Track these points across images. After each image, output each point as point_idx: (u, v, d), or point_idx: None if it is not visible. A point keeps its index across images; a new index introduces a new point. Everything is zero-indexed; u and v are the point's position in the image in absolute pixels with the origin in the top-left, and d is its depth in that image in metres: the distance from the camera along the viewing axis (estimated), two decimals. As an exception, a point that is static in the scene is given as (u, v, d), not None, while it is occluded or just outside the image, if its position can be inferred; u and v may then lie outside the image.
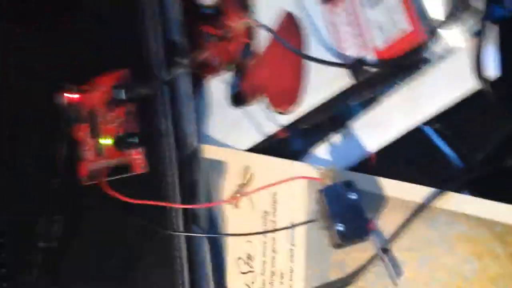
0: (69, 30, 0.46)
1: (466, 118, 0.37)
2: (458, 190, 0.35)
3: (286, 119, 0.43)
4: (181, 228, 0.41)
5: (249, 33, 0.45)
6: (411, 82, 0.37)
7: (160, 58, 0.43)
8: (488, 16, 0.33)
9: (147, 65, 0.43)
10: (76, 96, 0.43)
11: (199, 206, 0.44)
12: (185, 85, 0.45)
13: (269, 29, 0.42)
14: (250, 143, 0.44)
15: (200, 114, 0.47)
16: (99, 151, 0.43)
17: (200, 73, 0.47)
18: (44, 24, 0.47)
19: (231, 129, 0.46)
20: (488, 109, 0.35)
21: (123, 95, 0.41)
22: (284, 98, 0.43)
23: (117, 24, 0.45)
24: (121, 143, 0.42)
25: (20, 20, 0.49)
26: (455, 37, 0.35)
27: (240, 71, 0.46)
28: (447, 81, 0.36)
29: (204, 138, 0.46)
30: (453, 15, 0.34)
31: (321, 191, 0.37)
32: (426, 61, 0.36)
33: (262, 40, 0.44)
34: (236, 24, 0.45)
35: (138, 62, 0.43)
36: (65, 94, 0.43)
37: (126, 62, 0.43)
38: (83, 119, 0.44)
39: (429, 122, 0.38)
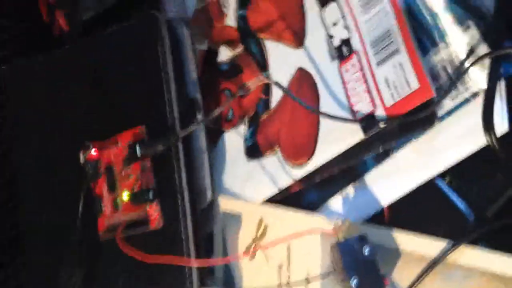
0: (88, 90, 0.48)
1: (478, 171, 0.37)
2: (472, 243, 0.35)
3: (300, 172, 0.43)
4: (196, 283, 0.41)
5: (264, 87, 0.46)
6: (423, 136, 0.38)
7: (176, 115, 0.44)
8: (495, 72, 0.34)
9: (164, 121, 0.44)
10: (94, 152, 0.45)
11: (214, 264, 0.44)
12: (200, 140, 0.46)
13: (282, 87, 0.43)
14: (265, 196, 0.45)
15: (215, 167, 0.47)
16: (116, 206, 0.44)
17: (216, 127, 0.48)
18: (69, 83, 0.49)
19: (246, 181, 0.46)
20: (499, 162, 0.35)
21: (139, 151, 0.43)
22: (298, 151, 0.43)
23: (135, 83, 0.46)
24: (136, 198, 0.43)
25: (44, 76, 0.51)
26: (464, 93, 0.36)
27: (255, 125, 0.47)
28: (459, 135, 0.36)
29: (219, 190, 0.47)
30: (461, 71, 0.35)
31: (335, 245, 0.37)
32: (436, 116, 0.36)
33: (277, 94, 0.45)
34: (252, 80, 0.47)
35: (155, 118, 0.44)
36: (84, 151, 0.45)
37: (144, 119, 0.44)
38: (101, 174, 0.45)
39: (442, 175, 0.38)
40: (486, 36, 0.35)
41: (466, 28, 0.36)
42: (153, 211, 0.43)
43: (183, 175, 0.43)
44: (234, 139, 0.48)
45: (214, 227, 0.46)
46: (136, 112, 0.45)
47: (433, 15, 0.37)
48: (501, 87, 0.34)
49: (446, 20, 0.36)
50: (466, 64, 0.35)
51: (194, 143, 0.45)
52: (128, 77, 0.46)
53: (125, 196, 0.43)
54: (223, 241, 0.46)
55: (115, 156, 0.44)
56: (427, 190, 0.38)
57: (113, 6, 0.50)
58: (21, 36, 0.54)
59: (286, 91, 0.43)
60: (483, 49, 0.35)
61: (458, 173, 0.37)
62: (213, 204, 0.46)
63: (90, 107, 0.47)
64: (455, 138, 0.36)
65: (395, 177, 0.39)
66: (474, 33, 0.35)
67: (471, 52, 0.35)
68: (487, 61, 0.34)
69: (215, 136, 0.48)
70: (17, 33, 0.53)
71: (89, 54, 0.48)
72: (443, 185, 0.38)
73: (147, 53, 0.45)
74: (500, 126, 0.34)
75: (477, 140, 0.35)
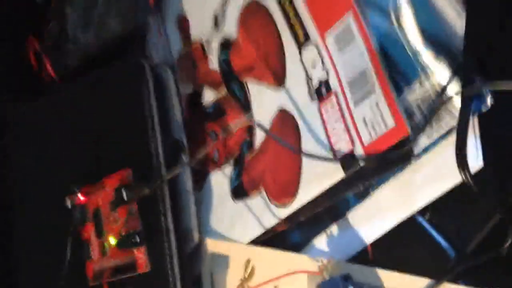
0: (75, 134, 0.48)
1: (457, 207, 0.37)
2: (453, 280, 0.35)
3: (285, 211, 0.43)
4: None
5: (247, 129, 0.47)
6: (401, 173, 0.38)
7: (162, 157, 0.45)
8: (466, 109, 0.34)
9: (150, 164, 0.45)
10: (82, 197, 0.45)
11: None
12: (186, 181, 0.46)
13: (264, 129, 0.44)
14: (251, 236, 0.45)
15: (202, 208, 0.48)
16: (103, 251, 0.44)
17: (201, 168, 0.49)
18: (57, 128, 0.50)
19: (233, 222, 0.46)
20: (476, 198, 0.35)
21: (125, 195, 0.43)
22: (282, 191, 0.44)
23: (121, 127, 0.47)
24: (123, 243, 0.43)
25: (34, 122, 0.52)
26: (439, 130, 0.36)
27: (240, 165, 0.47)
28: (436, 172, 0.37)
29: (206, 232, 0.47)
30: (434, 109, 0.35)
31: (319, 286, 0.37)
32: (412, 154, 0.37)
33: (260, 135, 0.46)
34: (235, 121, 0.47)
35: (141, 161, 0.45)
36: (72, 196, 0.45)
37: (130, 162, 0.45)
38: (89, 219, 0.45)
39: (422, 212, 0.38)
40: (457, 74, 0.35)
41: (438, 67, 0.36)
42: (141, 255, 0.43)
43: (169, 217, 0.44)
44: (220, 180, 0.48)
45: (202, 269, 0.46)
46: (122, 155, 0.46)
47: (409, 54, 0.38)
48: (474, 123, 0.35)
49: (421, 59, 0.37)
50: (438, 103, 0.35)
51: (180, 185, 0.46)
52: (114, 121, 0.47)
53: (113, 240, 0.44)
54: (211, 283, 0.46)
55: (102, 200, 0.45)
56: (409, 227, 0.38)
57: (99, 51, 0.51)
58: (12, 83, 0.55)
59: (268, 132, 0.44)
60: (454, 87, 0.35)
61: (438, 210, 0.38)
62: (200, 246, 0.46)
63: (77, 151, 0.48)
64: (433, 175, 0.37)
65: (376, 215, 0.39)
66: (445, 71, 0.36)
67: (443, 90, 0.36)
68: (458, 99, 0.35)
69: (201, 177, 0.49)
70: (8, 80, 0.55)
71: (76, 99, 0.49)
72: (423, 222, 0.39)
73: (133, 98, 0.47)
74: (475, 162, 0.34)
75: (454, 177, 0.35)
